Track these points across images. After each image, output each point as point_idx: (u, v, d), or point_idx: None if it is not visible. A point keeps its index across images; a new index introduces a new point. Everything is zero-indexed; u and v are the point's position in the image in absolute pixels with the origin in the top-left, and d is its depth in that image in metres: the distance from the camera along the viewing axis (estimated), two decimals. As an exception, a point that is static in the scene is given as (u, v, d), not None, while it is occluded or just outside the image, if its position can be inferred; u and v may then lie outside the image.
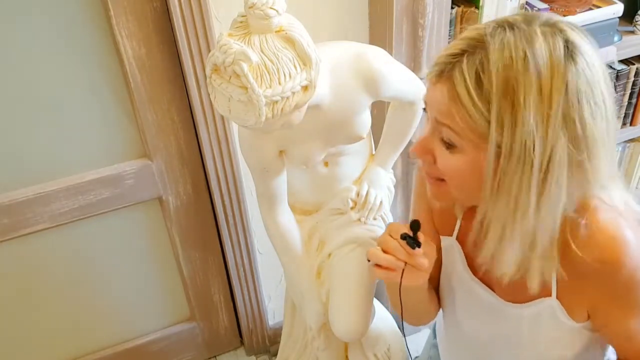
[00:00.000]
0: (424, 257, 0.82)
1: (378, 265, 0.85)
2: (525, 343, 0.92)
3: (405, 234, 0.82)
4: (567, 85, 0.67)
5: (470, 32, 0.71)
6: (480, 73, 0.67)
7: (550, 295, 0.86)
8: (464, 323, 1.01)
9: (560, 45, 0.67)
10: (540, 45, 0.67)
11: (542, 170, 0.69)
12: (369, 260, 0.86)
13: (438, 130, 0.74)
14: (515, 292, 0.90)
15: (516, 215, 0.73)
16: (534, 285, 0.80)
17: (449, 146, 0.74)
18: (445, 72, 0.70)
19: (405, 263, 0.83)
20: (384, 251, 0.84)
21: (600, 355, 0.97)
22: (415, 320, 1.07)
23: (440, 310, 1.09)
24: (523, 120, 0.66)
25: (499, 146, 0.69)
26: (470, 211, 0.92)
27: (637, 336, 0.85)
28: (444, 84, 0.70)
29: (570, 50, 0.68)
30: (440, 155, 0.76)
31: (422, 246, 0.82)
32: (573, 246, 0.77)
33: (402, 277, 0.84)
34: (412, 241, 0.81)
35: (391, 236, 0.84)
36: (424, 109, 0.79)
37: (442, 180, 0.78)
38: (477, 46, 0.69)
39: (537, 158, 0.68)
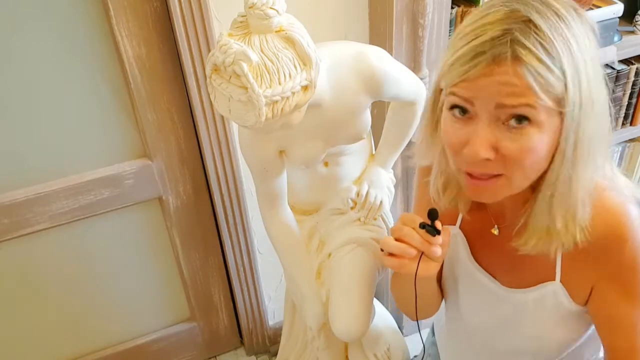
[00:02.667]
0: (437, 246, 0.82)
1: (391, 255, 0.84)
2: (528, 329, 0.92)
3: (424, 222, 0.81)
4: (589, 32, 0.73)
5: (495, 14, 0.70)
6: (542, 42, 0.68)
7: (553, 279, 0.87)
8: (466, 312, 1.01)
9: (566, 3, 0.72)
10: (556, 3, 0.71)
11: (602, 113, 0.74)
12: (382, 250, 0.85)
13: (499, 117, 0.71)
14: (519, 278, 0.90)
15: (588, 168, 0.75)
16: (553, 249, 0.80)
17: (519, 127, 0.71)
18: (504, 54, 0.68)
19: (422, 253, 0.83)
20: (397, 240, 0.83)
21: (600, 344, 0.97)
22: (419, 314, 1.06)
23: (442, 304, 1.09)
24: (581, 70, 0.70)
25: (573, 103, 0.70)
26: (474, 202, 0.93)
27: (628, 327, 0.85)
28: (510, 66, 0.68)
29: (574, 9, 0.73)
30: (510, 141, 0.72)
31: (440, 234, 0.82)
32: (578, 241, 0.79)
33: (418, 266, 0.83)
34: (432, 229, 0.81)
35: (405, 225, 0.83)
36: (457, 107, 0.74)
37: (498, 175, 0.76)
38: (518, 22, 0.69)
39: (597, 102, 0.73)
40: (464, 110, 0.74)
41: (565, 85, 0.69)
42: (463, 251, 0.97)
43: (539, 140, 0.72)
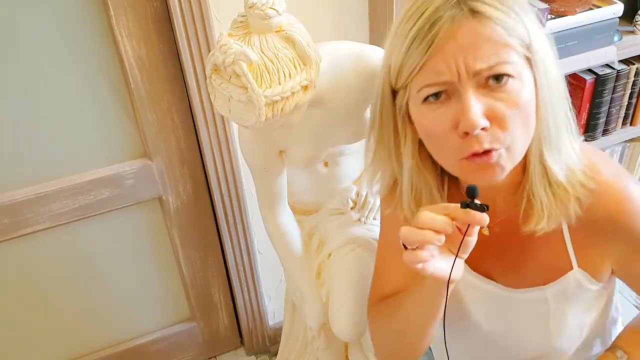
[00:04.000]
0: (485, 226, 0.72)
1: (415, 252, 0.70)
2: (552, 323, 0.88)
3: (466, 201, 0.69)
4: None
5: None
6: None
7: (570, 268, 0.84)
8: (481, 322, 0.94)
9: None
10: None
11: (557, 64, 0.75)
12: (405, 247, 0.71)
13: (479, 82, 0.69)
14: (525, 277, 0.87)
15: (561, 120, 0.75)
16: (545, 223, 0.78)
17: (501, 85, 0.69)
18: (460, 13, 0.67)
19: (459, 249, 0.72)
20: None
21: (610, 311, 0.96)
22: (407, 358, 0.95)
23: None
24: (531, 17, 0.71)
25: (538, 45, 0.71)
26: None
27: None
28: (473, 23, 0.67)
29: None
30: (498, 101, 0.69)
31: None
32: (583, 202, 0.78)
33: (454, 261, 0.72)
34: (477, 206, 0.69)
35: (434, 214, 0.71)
36: (431, 95, 0.71)
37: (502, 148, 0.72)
38: None
39: (544, 40, 0.73)
40: (436, 95, 0.71)
41: (526, 27, 0.69)
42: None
43: (524, 93, 0.70)
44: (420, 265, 0.70)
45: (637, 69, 1.66)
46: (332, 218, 1.31)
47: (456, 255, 0.73)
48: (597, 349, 0.99)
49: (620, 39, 1.61)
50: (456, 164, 0.74)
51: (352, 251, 1.30)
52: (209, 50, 1.32)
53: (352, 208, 1.29)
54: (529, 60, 0.71)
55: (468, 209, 0.69)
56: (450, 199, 0.87)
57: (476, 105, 0.68)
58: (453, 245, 0.73)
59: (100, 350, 1.80)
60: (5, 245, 1.49)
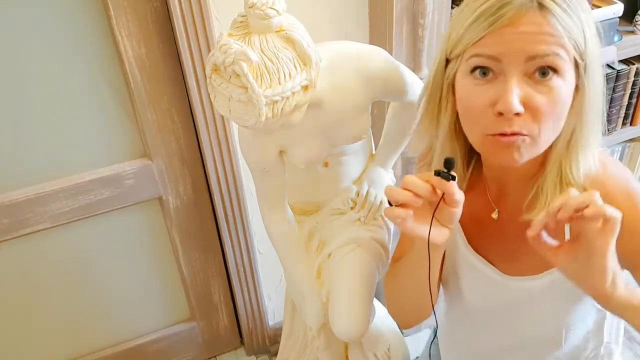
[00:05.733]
0: (454, 193, 0.75)
1: (401, 207, 0.76)
2: (539, 313, 0.91)
3: (438, 170, 0.75)
4: None
5: None
6: None
7: None
8: (471, 300, 0.99)
9: None
10: None
11: (601, 79, 0.78)
12: (390, 204, 0.77)
13: (527, 71, 0.73)
14: (521, 266, 0.89)
15: (590, 128, 0.79)
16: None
17: (546, 79, 0.73)
18: (529, 2, 0.70)
19: (434, 211, 0.77)
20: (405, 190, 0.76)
21: (602, 320, 0.97)
22: (412, 316, 1.02)
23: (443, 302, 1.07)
24: (591, 23, 0.74)
25: (591, 54, 0.74)
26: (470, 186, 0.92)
27: None
28: (538, 14, 0.70)
29: None
30: (539, 94, 0.73)
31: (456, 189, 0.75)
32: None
33: (432, 220, 0.77)
34: (447, 175, 0.74)
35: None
36: (478, 68, 0.74)
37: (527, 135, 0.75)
38: None
39: (598, 54, 0.76)
40: (484, 72, 0.75)
41: (584, 35, 0.73)
42: (460, 240, 0.95)
43: (564, 90, 0.74)
44: (399, 221, 0.76)
45: (637, 69, 1.66)
46: (332, 218, 1.31)
47: (433, 214, 0.77)
48: (594, 351, 1.00)
49: (620, 39, 1.61)
50: (482, 139, 0.78)
51: (352, 251, 1.30)
52: (209, 50, 1.32)
53: (352, 208, 1.29)
54: (577, 66, 0.74)
55: (438, 178, 0.75)
56: (471, 180, 0.92)
57: (517, 90, 0.73)
58: (441, 216, 0.78)
59: (100, 350, 1.80)
60: (5, 245, 1.49)
